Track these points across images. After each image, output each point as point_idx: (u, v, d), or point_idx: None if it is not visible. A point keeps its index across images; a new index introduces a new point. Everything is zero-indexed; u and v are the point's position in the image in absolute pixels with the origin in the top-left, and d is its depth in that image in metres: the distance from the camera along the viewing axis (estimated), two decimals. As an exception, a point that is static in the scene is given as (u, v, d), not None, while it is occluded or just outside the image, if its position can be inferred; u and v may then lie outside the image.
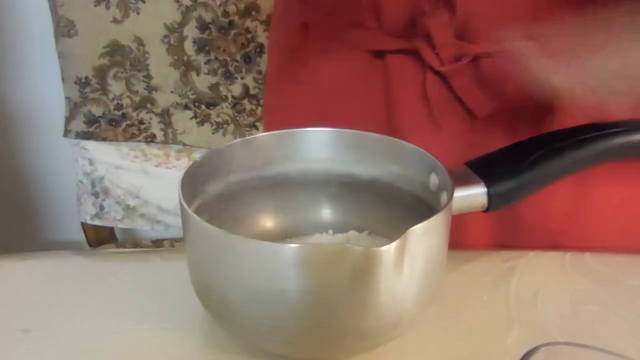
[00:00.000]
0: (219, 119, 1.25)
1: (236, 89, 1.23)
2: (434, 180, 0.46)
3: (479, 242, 0.57)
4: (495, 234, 0.57)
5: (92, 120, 1.25)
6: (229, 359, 0.44)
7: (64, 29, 1.18)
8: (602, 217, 0.56)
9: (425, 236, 0.38)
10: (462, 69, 0.52)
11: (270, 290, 0.38)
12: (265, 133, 0.50)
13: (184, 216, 0.41)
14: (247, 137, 0.49)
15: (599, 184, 0.55)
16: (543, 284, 0.50)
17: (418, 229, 0.37)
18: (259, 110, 1.24)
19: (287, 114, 0.65)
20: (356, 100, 0.59)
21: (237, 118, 1.25)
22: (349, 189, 0.50)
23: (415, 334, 0.44)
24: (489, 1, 0.50)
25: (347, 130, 0.49)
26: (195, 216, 0.39)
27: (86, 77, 1.22)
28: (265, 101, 0.74)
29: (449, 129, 0.55)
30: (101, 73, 1.22)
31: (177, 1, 1.17)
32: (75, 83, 1.22)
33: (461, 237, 0.56)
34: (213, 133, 1.26)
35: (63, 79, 1.23)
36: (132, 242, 1.44)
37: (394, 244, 0.35)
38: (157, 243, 1.40)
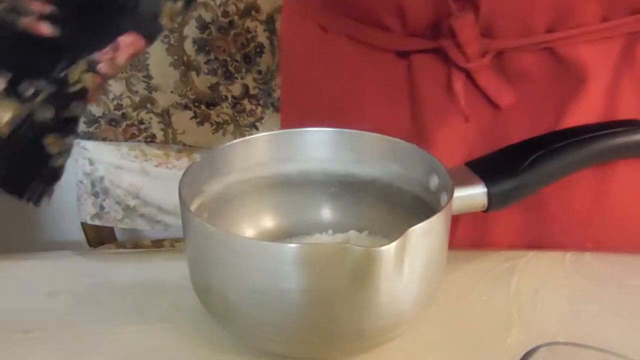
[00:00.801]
0: (219, 119, 1.25)
1: (236, 89, 1.23)
2: (434, 180, 0.46)
3: (505, 236, 0.57)
4: (521, 226, 0.57)
5: (92, 121, 1.25)
6: (229, 359, 0.44)
7: (64, 29, 1.18)
8: (624, 205, 0.57)
9: (426, 236, 0.38)
10: (487, 64, 0.53)
11: (270, 290, 0.38)
12: (265, 133, 0.50)
13: (184, 216, 0.41)
14: (247, 137, 0.49)
15: (619, 172, 0.55)
16: (543, 284, 0.50)
17: (418, 229, 0.37)
18: (259, 110, 1.24)
19: (306, 117, 0.65)
20: (379, 100, 0.59)
21: (237, 118, 1.25)
22: (349, 189, 0.50)
23: (415, 334, 0.44)
24: None
25: (347, 130, 0.49)
26: (195, 216, 0.39)
27: (86, 77, 1.22)
28: (282, 105, 0.74)
29: (474, 122, 0.55)
30: (101, 73, 1.22)
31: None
32: (75, 83, 1.22)
33: (486, 233, 0.57)
34: (213, 133, 1.26)
35: (63, 79, 1.23)
36: (132, 242, 1.44)
37: (394, 244, 0.35)
38: (157, 243, 1.40)
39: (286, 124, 0.72)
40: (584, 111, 0.54)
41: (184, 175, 0.43)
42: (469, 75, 0.54)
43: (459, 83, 0.54)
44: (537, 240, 0.57)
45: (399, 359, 0.43)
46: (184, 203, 0.40)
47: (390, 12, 0.55)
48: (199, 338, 0.45)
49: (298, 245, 0.36)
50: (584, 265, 0.53)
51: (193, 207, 0.45)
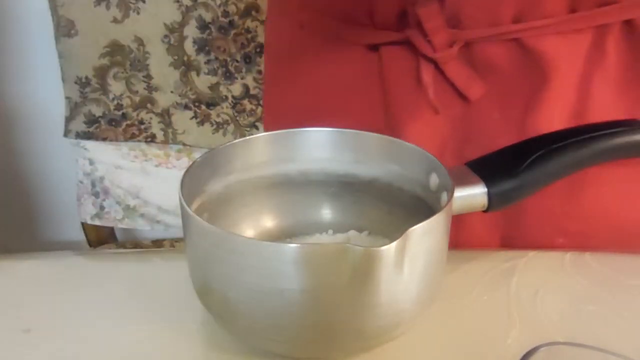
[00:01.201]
0: (219, 119, 1.25)
1: (236, 89, 1.23)
2: (434, 180, 0.46)
3: (482, 234, 0.57)
4: (498, 222, 0.57)
5: (92, 120, 1.25)
6: (229, 359, 0.44)
7: (64, 29, 1.18)
8: (596, 200, 0.57)
9: (426, 236, 0.38)
10: (454, 54, 0.53)
11: (270, 290, 0.38)
12: (265, 133, 0.50)
13: (185, 216, 0.41)
14: (247, 137, 0.49)
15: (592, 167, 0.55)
16: (543, 284, 0.50)
17: (418, 229, 0.37)
18: (259, 110, 1.24)
19: (286, 114, 0.65)
20: (354, 94, 0.59)
21: (237, 118, 1.25)
22: (349, 189, 0.50)
23: (416, 334, 0.44)
24: None
25: (346, 130, 0.49)
26: (196, 216, 0.39)
27: (86, 77, 1.22)
28: (265, 102, 0.75)
29: (444, 113, 0.56)
30: (101, 73, 1.22)
31: (177, 1, 1.17)
32: (76, 83, 1.22)
33: (461, 233, 0.57)
34: (213, 133, 1.26)
35: (63, 79, 1.23)
36: (132, 242, 1.44)
37: (394, 243, 0.35)
38: (157, 243, 1.40)
39: (268, 121, 0.73)
40: (554, 104, 0.53)
41: (184, 175, 0.43)
42: (438, 67, 0.54)
43: (427, 74, 0.54)
44: (509, 234, 0.57)
45: (399, 359, 0.43)
46: (184, 203, 0.40)
47: (358, 6, 0.55)
48: (199, 338, 0.45)
49: (298, 245, 0.36)
50: (584, 265, 0.53)
51: (193, 207, 0.45)
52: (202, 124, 1.26)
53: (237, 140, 0.48)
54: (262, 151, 0.49)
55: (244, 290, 0.39)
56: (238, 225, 0.49)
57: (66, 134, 1.26)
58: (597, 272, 0.52)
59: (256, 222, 0.51)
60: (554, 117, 0.53)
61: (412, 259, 0.37)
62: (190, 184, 0.44)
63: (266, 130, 0.71)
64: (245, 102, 1.24)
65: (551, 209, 0.56)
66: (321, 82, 0.61)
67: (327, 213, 0.52)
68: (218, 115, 1.25)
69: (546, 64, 0.53)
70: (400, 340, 0.43)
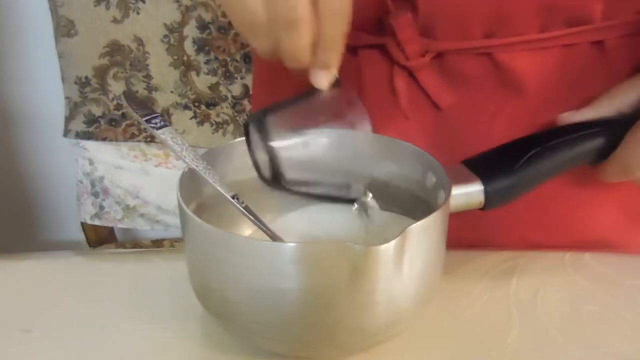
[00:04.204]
0: (219, 119, 1.25)
1: (236, 88, 1.23)
2: (430, 178, 0.46)
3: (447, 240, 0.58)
4: (462, 228, 0.58)
5: (92, 120, 1.25)
6: (229, 359, 0.44)
7: (64, 29, 1.18)
8: (556, 207, 0.58)
9: (424, 234, 0.38)
10: (427, 64, 0.54)
11: (269, 289, 0.38)
12: None
13: (183, 216, 0.41)
14: (244, 138, 0.49)
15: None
16: (543, 284, 0.50)
17: (416, 227, 0.37)
18: (259, 110, 1.24)
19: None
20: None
21: (237, 118, 1.25)
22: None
23: (416, 333, 0.44)
24: (449, 2, 0.52)
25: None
26: (194, 216, 0.39)
27: (86, 77, 1.22)
28: (253, 106, 0.76)
29: (415, 119, 0.57)
30: (101, 73, 1.22)
31: (177, 1, 1.17)
32: (75, 83, 1.22)
33: None
34: (213, 133, 1.26)
35: (63, 79, 1.23)
36: (132, 242, 1.44)
37: (393, 242, 0.35)
38: (157, 243, 1.40)
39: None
40: (517, 119, 0.54)
41: (181, 176, 0.43)
42: (411, 75, 0.55)
43: (400, 81, 0.56)
44: (473, 243, 0.57)
45: (399, 359, 0.43)
46: (182, 203, 0.40)
47: None
48: (199, 338, 0.45)
49: (297, 244, 0.36)
50: (584, 265, 0.53)
51: (192, 207, 0.45)
52: (202, 124, 1.26)
53: (235, 140, 0.48)
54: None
55: (243, 290, 0.39)
56: (237, 225, 0.49)
57: (66, 134, 1.26)
58: (597, 272, 0.52)
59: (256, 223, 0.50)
60: (521, 127, 0.53)
61: (410, 257, 0.37)
62: (188, 184, 0.44)
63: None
64: (245, 102, 1.24)
65: (516, 218, 0.57)
66: (301, 82, 0.62)
67: (325, 213, 0.51)
68: (218, 115, 1.25)
69: (514, 80, 0.54)
70: (401, 340, 0.43)
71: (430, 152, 0.56)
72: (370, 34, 0.56)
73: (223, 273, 0.39)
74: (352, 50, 0.57)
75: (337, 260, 0.36)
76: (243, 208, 0.44)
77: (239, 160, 0.49)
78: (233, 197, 0.44)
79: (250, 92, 1.23)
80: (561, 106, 0.53)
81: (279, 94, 0.64)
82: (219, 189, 0.44)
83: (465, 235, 0.58)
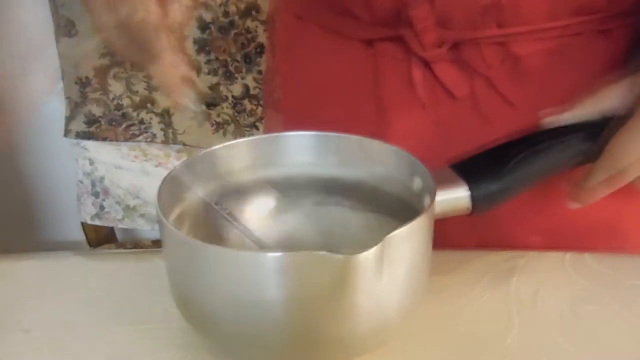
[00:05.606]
0: (219, 119, 1.25)
1: (236, 89, 1.23)
2: (417, 182, 0.45)
3: (459, 235, 0.57)
4: (474, 223, 0.57)
5: (92, 120, 1.25)
6: (229, 359, 0.44)
7: (64, 29, 1.18)
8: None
9: (406, 241, 0.37)
10: (443, 54, 0.55)
11: (250, 300, 0.37)
12: (247, 138, 0.49)
13: (161, 227, 0.40)
14: (229, 143, 0.48)
15: None
16: (543, 284, 0.50)
17: (398, 234, 0.36)
18: (259, 110, 1.24)
19: (287, 107, 0.67)
20: (349, 86, 0.61)
21: (238, 118, 1.25)
22: (333, 193, 0.50)
23: (415, 333, 0.44)
24: None
25: (329, 134, 0.49)
26: (171, 226, 0.38)
27: (86, 77, 1.22)
28: (265, 96, 0.76)
29: (431, 110, 0.58)
30: (101, 73, 1.22)
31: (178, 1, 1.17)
32: (76, 83, 1.22)
33: (437, 235, 0.57)
34: (213, 133, 1.26)
35: (63, 79, 1.23)
36: (132, 242, 1.44)
37: (372, 249, 0.34)
38: (157, 243, 1.39)
39: (267, 114, 0.74)
40: (532, 105, 0.54)
41: (161, 184, 0.42)
42: (428, 65, 0.56)
43: (418, 72, 0.57)
44: (483, 234, 0.57)
45: (399, 358, 0.43)
46: (160, 213, 0.39)
47: (356, 1, 0.57)
48: (199, 338, 0.45)
49: (276, 254, 0.35)
50: (584, 265, 0.53)
51: (174, 215, 0.44)
52: (202, 124, 1.26)
53: (218, 146, 0.47)
54: (244, 157, 0.49)
55: (223, 301, 0.38)
56: (220, 233, 0.48)
57: (66, 134, 1.26)
58: (597, 272, 0.52)
59: (239, 229, 0.50)
60: (532, 117, 0.54)
61: (392, 264, 0.36)
62: (170, 192, 0.43)
63: (266, 126, 0.72)
64: (246, 102, 1.24)
65: (524, 206, 0.57)
66: (317, 73, 0.63)
67: (311, 217, 0.51)
68: (218, 116, 1.25)
69: (525, 69, 0.55)
70: (401, 340, 0.43)
71: (446, 142, 0.56)
72: (386, 27, 0.57)
73: (202, 284, 0.38)
74: (368, 43, 0.59)
75: (317, 270, 0.35)
76: (227, 214, 0.44)
77: (221, 166, 0.48)
78: (216, 204, 0.44)
79: (251, 92, 1.23)
80: (565, 95, 0.53)
81: (291, 83, 0.65)
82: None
83: (479, 235, 0.58)
